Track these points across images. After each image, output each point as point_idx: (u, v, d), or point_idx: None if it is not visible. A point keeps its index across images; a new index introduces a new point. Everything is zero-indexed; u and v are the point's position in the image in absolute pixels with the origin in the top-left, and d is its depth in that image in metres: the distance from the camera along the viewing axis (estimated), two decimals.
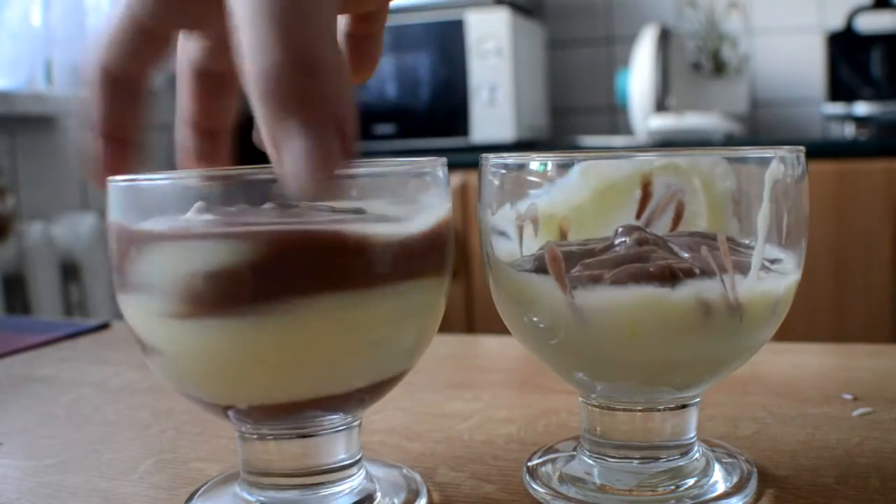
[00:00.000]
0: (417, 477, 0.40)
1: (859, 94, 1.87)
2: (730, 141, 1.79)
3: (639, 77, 1.88)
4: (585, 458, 0.39)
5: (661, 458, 0.37)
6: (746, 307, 0.33)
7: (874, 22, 1.93)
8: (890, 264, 1.53)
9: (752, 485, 0.37)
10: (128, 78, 0.34)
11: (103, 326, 0.77)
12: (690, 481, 0.37)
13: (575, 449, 0.40)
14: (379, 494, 0.37)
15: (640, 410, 0.37)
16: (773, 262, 0.35)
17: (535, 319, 0.35)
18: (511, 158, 0.37)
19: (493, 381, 0.58)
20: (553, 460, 0.40)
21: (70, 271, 1.68)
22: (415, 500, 0.37)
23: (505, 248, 0.37)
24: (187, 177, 0.32)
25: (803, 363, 0.58)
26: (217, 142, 0.39)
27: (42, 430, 0.50)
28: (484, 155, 0.38)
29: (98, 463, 0.44)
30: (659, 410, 0.37)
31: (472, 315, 1.80)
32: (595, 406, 0.38)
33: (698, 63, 2.13)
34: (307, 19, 0.25)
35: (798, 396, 0.50)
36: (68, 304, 1.70)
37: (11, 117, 1.61)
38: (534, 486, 0.38)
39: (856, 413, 0.46)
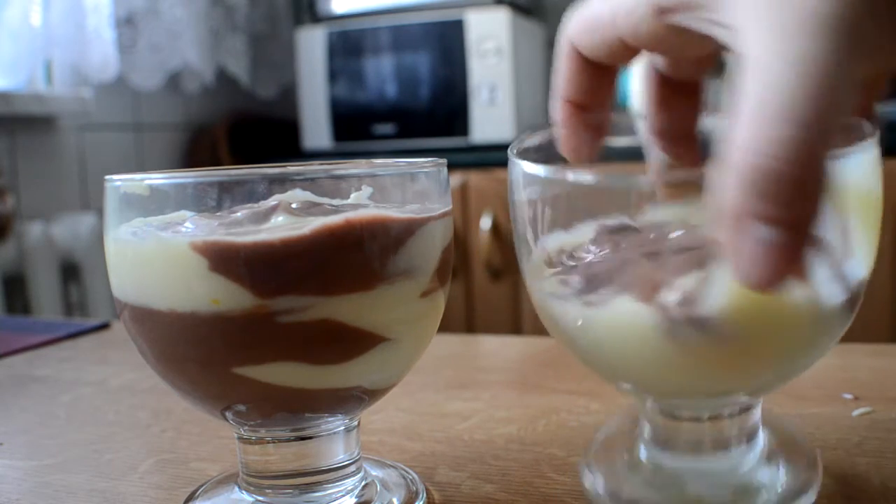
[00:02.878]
0: (417, 477, 0.40)
1: None
2: None
3: (640, 77, 1.87)
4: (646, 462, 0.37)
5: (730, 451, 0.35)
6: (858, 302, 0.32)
7: None
8: (890, 264, 1.53)
9: (819, 471, 0.36)
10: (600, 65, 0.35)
11: (103, 326, 0.77)
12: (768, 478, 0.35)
13: (627, 455, 0.38)
14: (378, 495, 0.37)
15: (707, 420, 0.35)
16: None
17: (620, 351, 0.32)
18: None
19: (493, 381, 0.58)
20: (610, 464, 0.38)
21: (70, 271, 1.68)
22: (414, 501, 0.37)
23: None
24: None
25: None
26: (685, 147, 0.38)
27: (42, 430, 0.50)
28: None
29: (98, 463, 0.44)
30: (727, 417, 0.35)
31: (472, 315, 1.80)
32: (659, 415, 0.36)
33: None
34: (824, 133, 0.24)
35: (798, 396, 0.50)
36: (68, 304, 1.70)
37: (11, 117, 1.61)
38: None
39: (856, 413, 0.46)
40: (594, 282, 0.32)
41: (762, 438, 0.37)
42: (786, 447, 0.38)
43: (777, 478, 0.36)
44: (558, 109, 0.36)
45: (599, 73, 0.35)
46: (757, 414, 0.36)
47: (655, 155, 0.38)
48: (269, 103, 2.33)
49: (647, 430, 0.37)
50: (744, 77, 0.25)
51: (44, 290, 1.60)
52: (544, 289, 0.34)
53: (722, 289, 0.28)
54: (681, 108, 0.38)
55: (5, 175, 1.58)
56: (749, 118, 0.24)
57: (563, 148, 0.36)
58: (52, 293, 1.62)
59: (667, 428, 0.36)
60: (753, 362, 0.31)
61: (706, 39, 0.29)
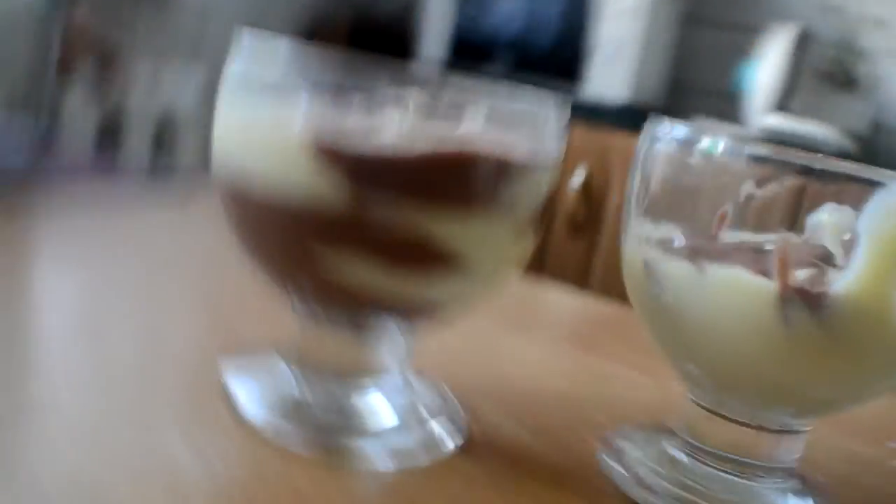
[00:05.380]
0: (460, 408, 0.40)
1: None
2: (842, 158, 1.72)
3: (767, 71, 1.81)
4: (679, 455, 0.37)
5: (764, 478, 0.35)
6: None
7: None
8: None
9: None
10: None
11: (188, 197, 0.78)
12: None
13: (660, 441, 0.38)
14: (420, 408, 0.38)
15: (750, 427, 0.35)
16: None
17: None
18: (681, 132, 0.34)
19: (553, 333, 0.58)
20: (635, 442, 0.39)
21: (166, 127, 1.71)
22: (454, 431, 0.37)
23: None
24: None
25: None
26: None
27: (92, 276, 0.51)
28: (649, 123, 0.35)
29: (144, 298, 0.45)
30: (768, 431, 0.35)
31: (541, 267, 1.79)
32: (702, 408, 0.36)
33: (830, 73, 2.05)
34: None
35: (844, 431, 0.48)
36: (157, 159, 1.73)
37: None
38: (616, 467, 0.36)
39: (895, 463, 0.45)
40: (704, 254, 0.32)
41: (794, 474, 0.36)
42: (814, 490, 0.37)
43: None
44: None
45: None
46: (798, 446, 0.36)
47: None
48: (392, 15, 2.32)
49: (683, 426, 0.37)
50: None
51: (137, 143, 1.63)
52: (646, 251, 0.34)
53: (846, 280, 0.29)
54: None
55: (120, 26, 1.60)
56: None
57: None
58: (143, 147, 1.65)
59: (706, 426, 0.36)
60: (845, 364, 0.31)
61: None
